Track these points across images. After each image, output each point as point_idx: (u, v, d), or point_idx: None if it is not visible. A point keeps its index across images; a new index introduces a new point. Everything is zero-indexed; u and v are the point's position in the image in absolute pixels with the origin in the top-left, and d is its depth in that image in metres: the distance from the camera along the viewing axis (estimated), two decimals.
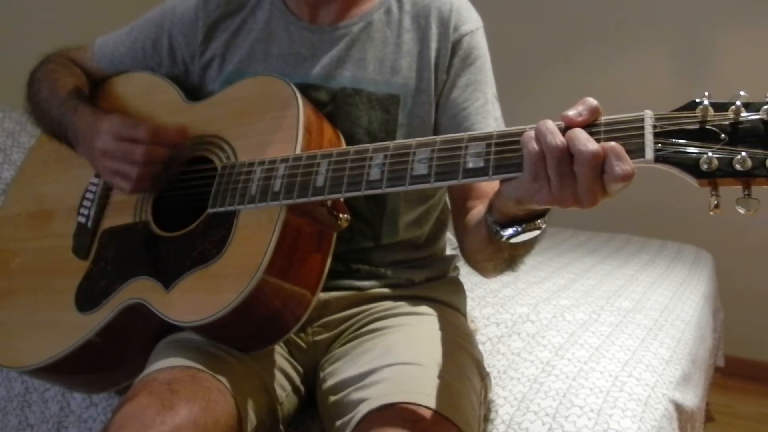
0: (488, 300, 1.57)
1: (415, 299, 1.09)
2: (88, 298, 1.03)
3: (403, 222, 1.09)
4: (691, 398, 1.32)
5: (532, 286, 1.71)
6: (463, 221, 1.02)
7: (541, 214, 0.79)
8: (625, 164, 0.66)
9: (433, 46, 1.06)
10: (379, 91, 1.05)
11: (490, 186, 0.90)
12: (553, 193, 0.70)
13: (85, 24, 1.79)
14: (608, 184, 0.67)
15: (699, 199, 0.69)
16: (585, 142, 0.67)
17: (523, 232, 0.80)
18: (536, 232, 0.80)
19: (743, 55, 2.79)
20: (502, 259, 0.90)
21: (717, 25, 2.88)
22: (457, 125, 1.05)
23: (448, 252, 1.22)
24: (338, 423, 0.89)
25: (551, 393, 1.11)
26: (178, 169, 1.06)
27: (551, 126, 0.70)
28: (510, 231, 0.81)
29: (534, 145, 0.70)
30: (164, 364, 0.92)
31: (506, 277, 1.74)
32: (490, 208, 0.83)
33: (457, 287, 1.19)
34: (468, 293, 1.22)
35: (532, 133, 0.71)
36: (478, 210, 0.98)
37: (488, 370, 1.11)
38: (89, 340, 1.00)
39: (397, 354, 0.93)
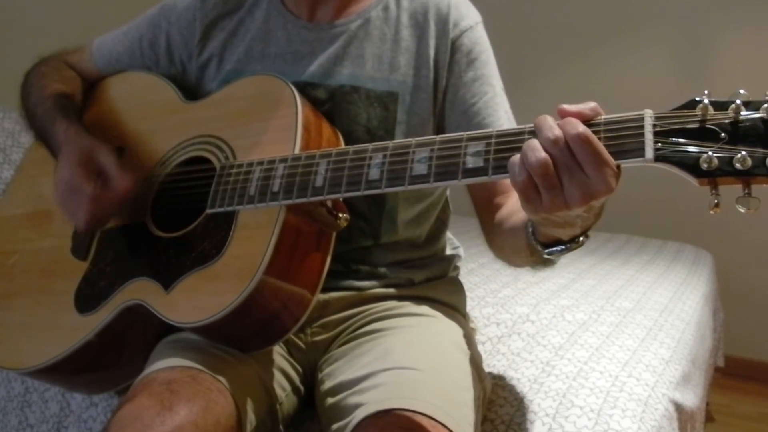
0: (488, 300, 1.57)
1: (415, 299, 1.08)
2: (87, 299, 1.03)
3: (402, 220, 1.09)
4: (691, 398, 1.32)
5: (532, 286, 1.71)
6: (492, 219, 1.03)
7: (585, 232, 0.79)
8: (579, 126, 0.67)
9: (432, 43, 1.06)
10: (378, 88, 1.05)
11: None
12: (544, 203, 0.70)
13: (85, 24, 1.79)
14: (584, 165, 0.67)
15: (699, 199, 0.69)
16: (575, 124, 0.68)
17: (567, 251, 0.80)
18: (579, 247, 0.80)
19: (743, 54, 2.80)
20: (540, 262, 0.89)
21: (717, 25, 2.88)
22: (469, 121, 1.05)
23: (448, 252, 1.22)
24: (334, 426, 0.89)
25: (551, 393, 1.11)
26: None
27: (534, 144, 0.69)
28: (554, 249, 0.81)
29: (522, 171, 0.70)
30: (164, 364, 0.92)
31: (506, 277, 1.74)
32: (533, 231, 0.82)
33: (457, 287, 1.19)
34: (468, 293, 1.22)
35: (517, 158, 0.70)
36: (508, 210, 0.99)
37: (488, 370, 1.11)
38: (89, 341, 1.00)
39: (394, 358, 0.92)
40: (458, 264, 1.23)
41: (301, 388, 1.04)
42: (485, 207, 1.06)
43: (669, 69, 2.98)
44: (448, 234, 1.23)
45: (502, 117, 1.06)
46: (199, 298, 0.91)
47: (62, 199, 1.02)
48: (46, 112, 1.13)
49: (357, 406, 0.86)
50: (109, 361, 1.07)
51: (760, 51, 2.77)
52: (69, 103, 1.16)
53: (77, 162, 1.02)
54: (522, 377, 1.17)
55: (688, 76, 2.92)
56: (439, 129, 1.08)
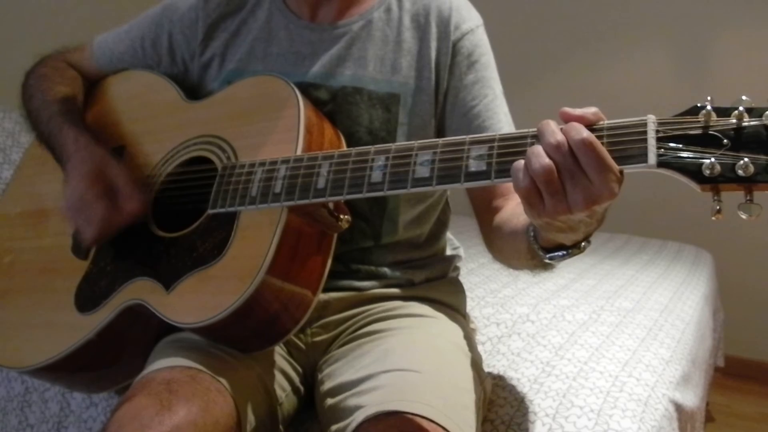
0: (488, 300, 1.57)
1: (415, 300, 1.09)
2: (88, 298, 1.03)
3: (403, 221, 1.09)
4: (691, 398, 1.32)
5: (532, 286, 1.71)
6: (491, 221, 1.03)
7: (587, 237, 0.79)
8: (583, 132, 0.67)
9: (433, 45, 1.06)
10: (380, 89, 1.05)
11: None
12: (547, 208, 0.70)
13: (85, 23, 1.79)
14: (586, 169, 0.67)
15: (699, 199, 0.69)
16: (579, 129, 0.68)
17: (569, 256, 0.80)
18: (580, 253, 0.80)
19: (744, 56, 2.79)
20: (540, 266, 0.90)
21: (718, 26, 2.88)
22: (469, 123, 1.05)
23: (448, 252, 1.22)
24: (334, 428, 0.89)
25: (551, 393, 1.11)
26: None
27: (537, 150, 0.69)
28: (555, 254, 0.81)
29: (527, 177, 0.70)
30: (163, 364, 0.92)
31: (506, 278, 1.74)
32: (535, 235, 0.82)
33: (457, 288, 1.19)
34: (468, 293, 1.22)
35: (521, 163, 0.70)
36: (509, 213, 0.98)
37: (488, 370, 1.11)
38: (89, 340, 1.00)
39: (394, 359, 0.92)
40: (458, 264, 1.23)
41: (301, 388, 1.04)
42: (484, 209, 1.06)
43: (670, 69, 2.98)
44: (449, 234, 1.23)
45: (502, 120, 1.06)
46: (200, 299, 0.91)
47: (71, 213, 1.03)
48: (52, 117, 1.13)
49: (357, 407, 0.86)
50: (110, 360, 1.07)
51: (761, 52, 2.77)
52: (74, 108, 1.16)
53: (89, 175, 1.02)
54: (522, 377, 1.18)
55: (689, 76, 2.91)
56: (440, 131, 1.08)
